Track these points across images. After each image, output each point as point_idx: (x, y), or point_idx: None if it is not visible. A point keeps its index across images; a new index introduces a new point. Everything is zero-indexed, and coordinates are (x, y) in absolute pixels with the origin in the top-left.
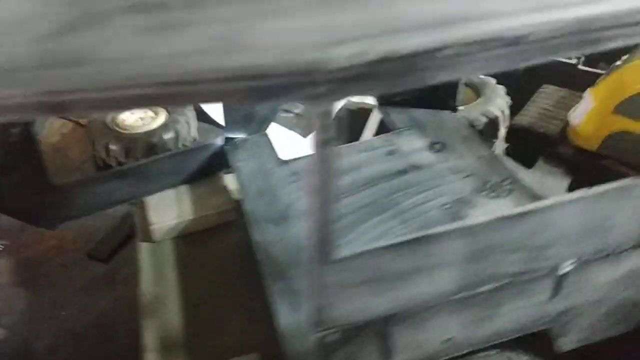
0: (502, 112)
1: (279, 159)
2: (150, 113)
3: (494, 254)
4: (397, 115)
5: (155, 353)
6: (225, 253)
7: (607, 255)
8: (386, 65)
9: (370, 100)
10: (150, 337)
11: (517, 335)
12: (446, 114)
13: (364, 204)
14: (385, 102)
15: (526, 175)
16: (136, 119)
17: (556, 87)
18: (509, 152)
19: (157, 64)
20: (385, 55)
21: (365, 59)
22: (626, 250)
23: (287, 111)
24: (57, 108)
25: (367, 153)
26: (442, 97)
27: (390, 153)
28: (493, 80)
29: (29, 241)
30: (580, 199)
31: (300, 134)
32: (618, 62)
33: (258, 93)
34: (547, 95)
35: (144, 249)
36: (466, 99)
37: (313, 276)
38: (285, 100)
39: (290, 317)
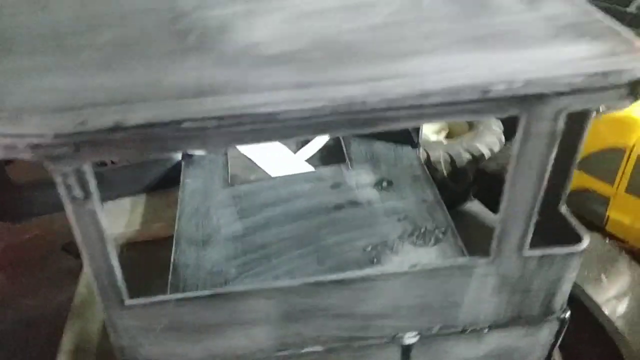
0: (491, 150)
1: (226, 181)
2: None
3: (312, 316)
4: (357, 147)
5: (68, 354)
6: (159, 264)
7: (462, 332)
8: (119, 133)
9: None
10: (67, 339)
11: None
12: (406, 150)
13: (290, 236)
14: None
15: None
16: None
17: None
18: (477, 195)
19: None
20: (116, 124)
21: (94, 127)
22: (487, 328)
23: None
24: None
25: (312, 184)
26: (405, 131)
27: (335, 186)
28: None
29: (13, 230)
30: (407, 274)
31: (292, 150)
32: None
33: None
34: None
35: None
36: (459, 131)
37: (108, 319)
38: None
39: None
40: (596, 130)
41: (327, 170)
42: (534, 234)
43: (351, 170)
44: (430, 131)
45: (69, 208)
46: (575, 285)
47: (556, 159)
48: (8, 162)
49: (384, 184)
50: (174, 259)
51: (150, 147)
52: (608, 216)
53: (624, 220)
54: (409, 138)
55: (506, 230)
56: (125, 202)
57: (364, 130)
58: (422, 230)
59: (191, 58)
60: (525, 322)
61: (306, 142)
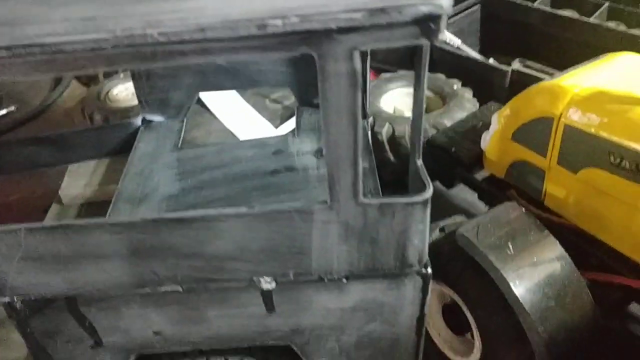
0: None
1: (176, 145)
2: (130, 91)
3: (162, 255)
4: (307, 117)
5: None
6: None
7: (320, 280)
8: None
9: None
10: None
11: (248, 345)
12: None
13: (221, 197)
14: (306, 103)
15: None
16: (127, 94)
17: (500, 104)
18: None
19: None
20: None
21: None
22: (343, 278)
23: (276, 102)
24: None
25: (256, 150)
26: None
27: (277, 153)
28: (467, 92)
29: (1, 190)
30: (243, 215)
31: (273, 125)
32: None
33: None
34: (484, 114)
35: (52, 209)
36: (433, 107)
37: None
38: None
39: None
40: (530, 99)
41: (274, 138)
42: (397, 187)
43: (296, 138)
44: (406, 109)
45: None
46: (480, 253)
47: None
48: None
49: (321, 153)
50: (109, 215)
51: None
52: (545, 190)
53: (559, 195)
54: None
55: (334, 175)
56: (89, 165)
57: (149, 65)
58: None
59: None
60: (384, 275)
61: (289, 116)
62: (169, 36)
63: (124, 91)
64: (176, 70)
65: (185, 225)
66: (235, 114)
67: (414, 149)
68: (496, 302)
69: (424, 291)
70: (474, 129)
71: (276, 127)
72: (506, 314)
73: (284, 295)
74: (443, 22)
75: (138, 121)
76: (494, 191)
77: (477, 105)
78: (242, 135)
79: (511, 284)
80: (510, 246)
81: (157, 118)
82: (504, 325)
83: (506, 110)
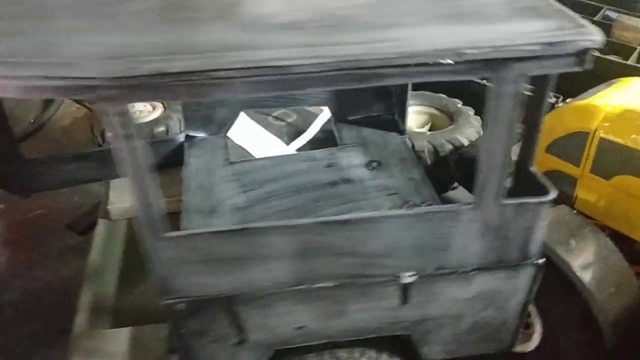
0: (470, 141)
1: (227, 159)
2: (149, 107)
3: (323, 254)
4: (348, 132)
5: (85, 313)
6: None
7: (453, 273)
8: (162, 79)
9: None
10: (84, 299)
11: (375, 335)
12: (393, 135)
13: (289, 207)
14: (341, 119)
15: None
16: (135, 112)
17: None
18: (459, 180)
19: None
20: (157, 71)
21: (138, 73)
22: (472, 271)
23: (279, 119)
24: None
25: (308, 163)
26: (392, 119)
27: (329, 166)
28: (470, 110)
29: (21, 208)
30: (402, 216)
31: (284, 142)
32: (560, 103)
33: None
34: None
35: (100, 225)
36: (440, 125)
37: (149, 250)
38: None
39: None
40: (563, 117)
41: (321, 152)
42: (511, 193)
43: (343, 152)
44: (415, 125)
45: (117, 145)
46: (547, 248)
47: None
48: (22, 139)
49: (374, 164)
50: (183, 226)
51: (186, 93)
52: (576, 196)
53: (590, 199)
54: (396, 126)
55: (485, 180)
56: None
57: (360, 85)
58: (410, 203)
59: (212, 25)
60: (506, 266)
61: (299, 133)
62: (383, 61)
63: (135, 111)
64: None
65: (348, 227)
66: (247, 133)
67: (526, 158)
68: (561, 290)
69: (536, 279)
70: None
71: (287, 144)
72: (570, 300)
73: (418, 288)
74: (590, 53)
75: (181, 137)
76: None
77: (480, 122)
78: (257, 154)
79: (579, 274)
80: (572, 242)
81: (200, 134)
82: (568, 312)
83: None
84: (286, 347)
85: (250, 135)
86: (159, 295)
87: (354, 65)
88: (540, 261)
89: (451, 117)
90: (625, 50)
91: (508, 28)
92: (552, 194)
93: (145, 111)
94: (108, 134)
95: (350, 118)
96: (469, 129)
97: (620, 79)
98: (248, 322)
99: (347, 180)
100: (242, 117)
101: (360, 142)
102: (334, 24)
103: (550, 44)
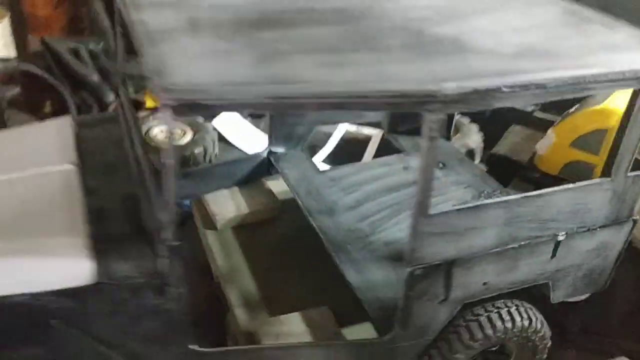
0: (477, 145)
1: (316, 169)
2: (178, 131)
3: (518, 221)
4: (404, 141)
5: (241, 308)
6: (275, 239)
7: (587, 230)
8: (473, 95)
9: (366, 130)
10: (233, 297)
11: (528, 285)
12: (442, 141)
13: (392, 203)
14: (393, 130)
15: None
16: (163, 135)
17: (522, 127)
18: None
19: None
20: (474, 89)
21: (462, 91)
22: (598, 227)
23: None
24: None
25: (387, 167)
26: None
27: (405, 168)
28: (466, 119)
29: None
30: (569, 189)
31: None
32: (572, 110)
33: (400, 106)
34: (516, 133)
35: (209, 235)
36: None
37: (414, 225)
38: (415, 110)
39: (356, 276)
40: (584, 119)
41: (391, 158)
42: None
43: (410, 157)
44: None
45: (426, 145)
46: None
47: None
48: None
49: (440, 165)
50: (317, 225)
51: (486, 104)
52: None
53: None
54: (443, 132)
55: (621, 158)
56: (224, 194)
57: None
58: (486, 192)
59: (478, 54)
60: (618, 222)
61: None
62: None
63: (159, 133)
64: None
65: (536, 200)
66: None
67: None
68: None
69: (631, 233)
70: (520, 142)
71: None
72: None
73: (563, 244)
74: None
75: (264, 154)
76: (549, 184)
77: (478, 128)
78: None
79: None
80: None
81: (280, 150)
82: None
83: (564, 126)
84: (469, 301)
85: (244, 134)
86: (407, 263)
87: (581, 82)
88: (636, 217)
89: (455, 128)
90: None
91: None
92: None
93: (176, 135)
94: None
95: (400, 130)
96: (474, 136)
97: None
98: (455, 282)
99: None
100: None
101: (418, 148)
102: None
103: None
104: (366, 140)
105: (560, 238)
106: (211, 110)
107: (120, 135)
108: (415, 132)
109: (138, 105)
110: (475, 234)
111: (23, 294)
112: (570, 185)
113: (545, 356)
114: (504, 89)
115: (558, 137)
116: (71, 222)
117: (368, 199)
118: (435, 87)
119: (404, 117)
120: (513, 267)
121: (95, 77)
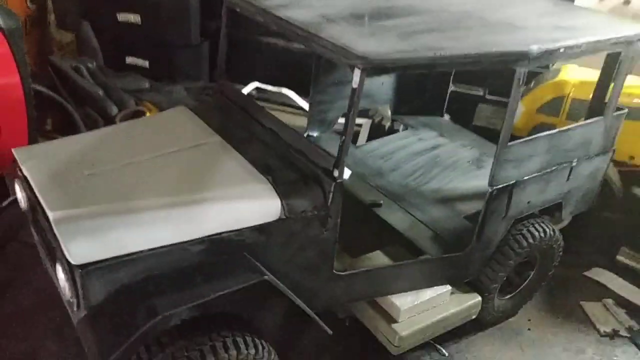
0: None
1: (354, 146)
2: None
3: (554, 151)
4: (409, 120)
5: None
6: None
7: (588, 157)
8: (547, 54)
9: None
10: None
11: (550, 205)
12: (437, 118)
13: (424, 164)
14: (398, 112)
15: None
16: None
17: (485, 104)
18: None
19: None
20: (547, 49)
21: (541, 51)
22: (594, 156)
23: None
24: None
25: (405, 140)
26: (433, 107)
27: (420, 140)
28: None
29: None
30: (582, 125)
31: None
32: (531, 85)
33: (502, 63)
34: (484, 109)
35: None
36: None
37: (498, 155)
38: (510, 66)
39: (422, 215)
40: (546, 89)
41: (406, 133)
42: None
43: (419, 131)
44: None
45: (514, 90)
46: None
47: None
48: None
49: (444, 134)
50: (375, 186)
51: (549, 60)
52: None
53: None
54: (435, 111)
55: (610, 103)
56: None
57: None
58: (487, 153)
59: (521, 31)
60: (606, 151)
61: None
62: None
63: None
64: (335, 97)
65: (563, 135)
66: None
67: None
68: None
69: (611, 159)
70: (491, 115)
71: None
72: None
73: (574, 170)
74: None
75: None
76: None
77: None
78: None
79: None
80: None
81: (315, 133)
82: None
83: (530, 98)
84: (517, 217)
85: None
86: (488, 185)
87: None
88: (614, 147)
89: None
90: None
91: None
92: (625, 110)
93: None
94: None
95: (402, 111)
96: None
97: (561, 66)
98: (513, 201)
99: (440, 145)
100: None
101: (422, 125)
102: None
103: None
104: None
105: (574, 164)
106: (391, 71)
107: (228, 118)
108: (415, 112)
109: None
110: (531, 161)
111: (230, 231)
112: (583, 123)
113: (558, 261)
114: (561, 50)
115: (526, 107)
116: (251, 174)
117: (404, 162)
118: (525, 49)
119: (406, 100)
120: (545, 189)
121: (100, 92)
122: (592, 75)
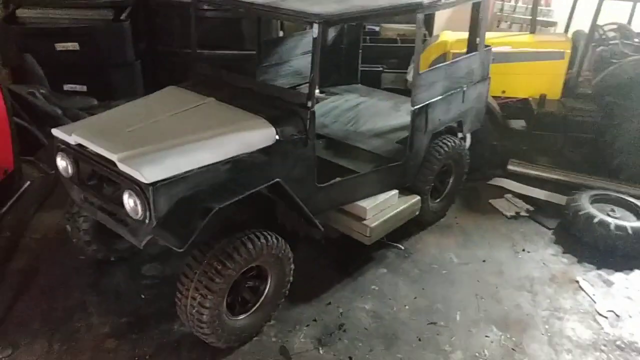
0: None
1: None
2: None
3: (450, 77)
4: (333, 90)
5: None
6: None
7: (473, 83)
8: (435, 3)
9: None
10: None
11: (454, 122)
12: (354, 85)
13: (355, 115)
14: (322, 85)
15: None
16: None
17: (387, 74)
18: None
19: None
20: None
21: (431, 3)
22: (477, 82)
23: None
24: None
25: (335, 102)
26: (349, 79)
27: (346, 100)
28: None
29: None
30: (467, 58)
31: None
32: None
33: (406, 11)
34: (387, 76)
35: None
36: None
37: (414, 80)
38: (412, 13)
39: (366, 145)
40: (432, 50)
41: (334, 98)
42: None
43: (342, 96)
44: None
45: (417, 30)
46: None
47: None
48: None
49: (362, 95)
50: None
51: (434, 9)
52: None
53: None
54: (350, 80)
55: (480, 41)
56: None
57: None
58: (397, 102)
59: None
60: (483, 79)
61: None
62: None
63: None
64: (276, 76)
65: (455, 65)
66: None
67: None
68: None
69: (489, 85)
70: (394, 79)
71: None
72: None
73: (466, 93)
74: None
75: None
76: None
77: None
78: None
79: None
80: None
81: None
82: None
83: (422, 57)
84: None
85: None
86: (411, 105)
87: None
88: (489, 77)
89: None
90: None
91: None
92: (491, 47)
93: None
94: None
95: (326, 84)
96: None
97: (439, 33)
98: (429, 118)
99: (362, 102)
100: None
101: (344, 91)
102: None
103: None
104: None
105: (465, 89)
106: (336, 23)
107: (211, 87)
108: (335, 84)
109: None
110: (436, 86)
111: (244, 153)
112: (465, 56)
113: (467, 169)
114: (442, 1)
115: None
116: (248, 115)
117: (340, 117)
118: (420, 1)
119: (326, 76)
120: (449, 109)
121: (59, 111)
122: (463, 36)
